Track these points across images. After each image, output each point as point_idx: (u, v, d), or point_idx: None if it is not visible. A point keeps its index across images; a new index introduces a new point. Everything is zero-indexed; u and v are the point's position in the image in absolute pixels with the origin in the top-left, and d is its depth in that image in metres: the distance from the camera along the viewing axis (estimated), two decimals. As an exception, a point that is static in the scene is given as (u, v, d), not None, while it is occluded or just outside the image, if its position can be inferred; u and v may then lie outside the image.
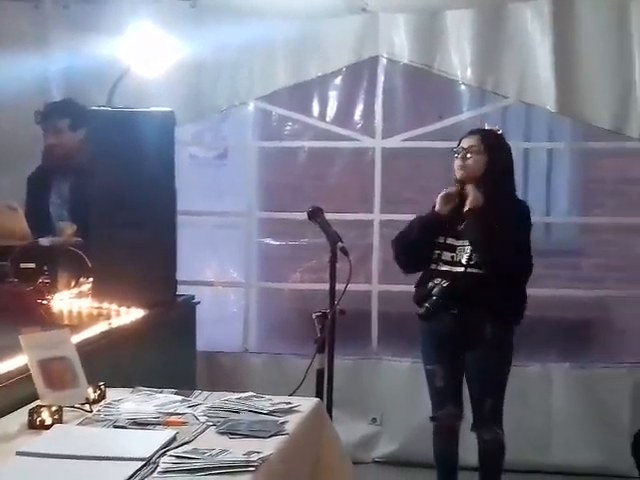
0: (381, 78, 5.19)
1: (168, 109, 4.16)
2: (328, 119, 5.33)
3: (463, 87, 5.12)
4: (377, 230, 5.27)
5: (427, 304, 3.99)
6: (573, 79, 4.88)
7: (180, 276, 4.47)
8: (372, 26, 5.05)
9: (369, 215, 5.29)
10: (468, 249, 4.01)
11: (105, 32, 4.65)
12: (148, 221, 3.99)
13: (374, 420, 5.28)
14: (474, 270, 4.01)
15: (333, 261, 3.46)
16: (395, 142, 5.23)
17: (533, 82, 4.94)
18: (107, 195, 3.97)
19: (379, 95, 5.21)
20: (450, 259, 4.06)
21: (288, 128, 5.45)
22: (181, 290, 4.50)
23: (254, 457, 2.28)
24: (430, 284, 4.04)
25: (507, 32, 4.93)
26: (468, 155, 4.05)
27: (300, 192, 5.75)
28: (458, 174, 4.08)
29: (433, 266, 4.08)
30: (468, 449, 4.28)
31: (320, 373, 3.43)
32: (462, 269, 4.02)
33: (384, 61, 5.15)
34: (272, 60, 5.16)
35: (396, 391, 5.21)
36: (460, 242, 4.05)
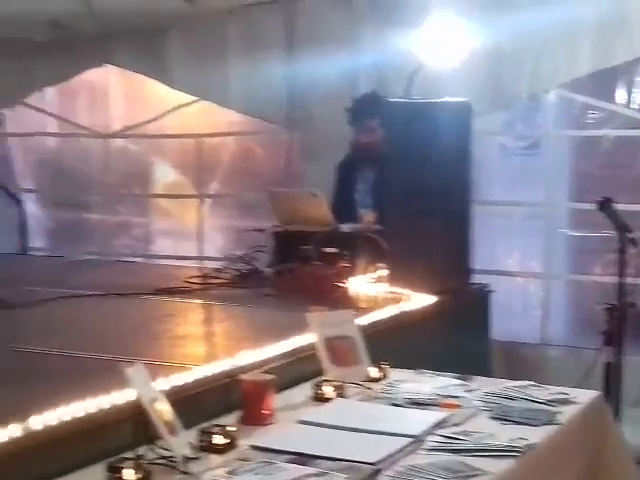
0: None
1: (464, 99, 4.20)
2: (634, 106, 5.10)
3: None
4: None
5: None
6: None
7: (478, 265, 4.50)
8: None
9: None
10: None
11: (406, 24, 4.75)
12: (442, 210, 4.07)
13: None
14: None
15: (622, 252, 3.35)
16: None
17: None
18: (402, 184, 4.10)
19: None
20: None
21: (592, 116, 5.28)
22: (478, 279, 4.53)
23: (520, 443, 2.29)
24: None
25: None
26: None
27: (608, 182, 5.53)
28: None
29: None
30: None
31: (607, 367, 3.34)
32: None
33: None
34: (576, 45, 4.97)
35: None
36: None
